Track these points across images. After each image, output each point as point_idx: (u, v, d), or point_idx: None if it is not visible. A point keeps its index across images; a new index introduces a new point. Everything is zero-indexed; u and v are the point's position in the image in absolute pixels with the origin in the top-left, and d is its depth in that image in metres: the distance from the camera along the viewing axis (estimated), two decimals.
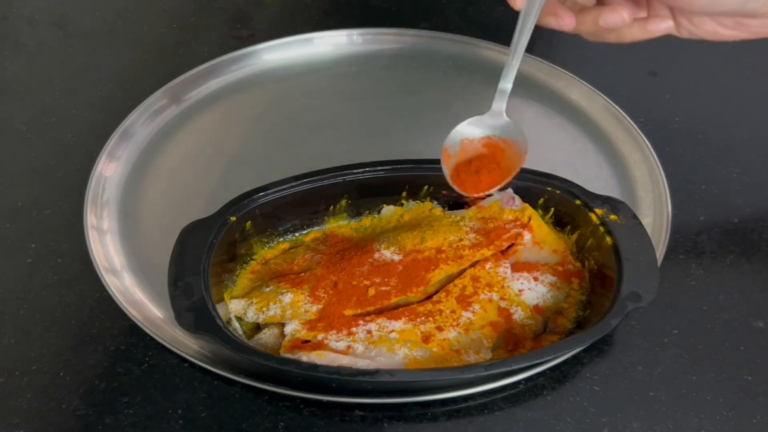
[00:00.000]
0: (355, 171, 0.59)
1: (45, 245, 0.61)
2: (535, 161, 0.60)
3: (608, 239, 0.54)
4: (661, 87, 0.77)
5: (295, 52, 0.79)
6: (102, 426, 0.50)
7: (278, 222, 0.59)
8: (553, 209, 0.59)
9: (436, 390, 0.50)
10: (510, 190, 0.59)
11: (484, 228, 0.58)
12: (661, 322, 0.56)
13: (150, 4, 0.90)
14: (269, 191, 0.57)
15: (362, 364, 0.49)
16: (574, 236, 0.58)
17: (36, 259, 0.60)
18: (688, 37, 0.53)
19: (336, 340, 0.51)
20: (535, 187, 0.59)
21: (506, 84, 0.53)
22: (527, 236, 0.57)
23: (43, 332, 0.55)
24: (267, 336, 0.53)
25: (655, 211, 0.63)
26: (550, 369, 0.52)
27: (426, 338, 0.51)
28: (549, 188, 0.58)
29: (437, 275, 0.55)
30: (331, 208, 0.60)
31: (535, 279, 0.55)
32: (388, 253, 0.56)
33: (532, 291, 0.55)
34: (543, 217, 0.59)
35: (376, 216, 0.61)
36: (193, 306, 0.50)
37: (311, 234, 0.60)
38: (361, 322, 0.52)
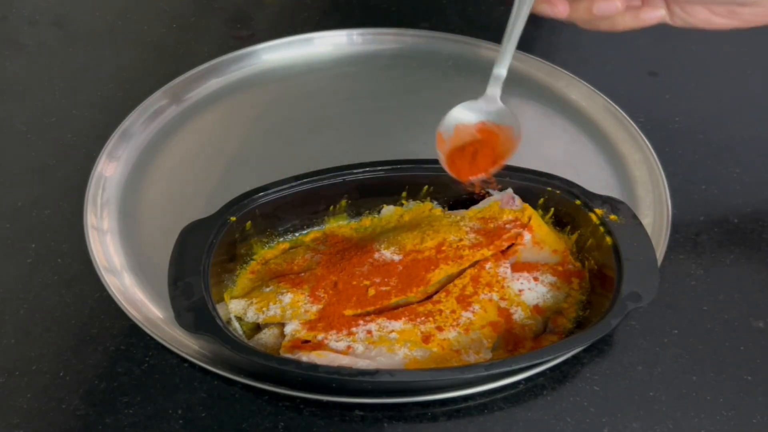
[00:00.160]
0: (355, 171, 0.59)
1: (45, 245, 0.61)
2: (535, 161, 0.60)
3: (608, 239, 0.54)
4: (661, 87, 0.77)
5: (295, 52, 0.79)
6: (102, 426, 0.50)
7: (278, 222, 0.59)
8: (553, 209, 0.59)
9: (436, 390, 0.50)
10: (510, 190, 0.59)
11: (484, 228, 0.58)
12: (661, 322, 0.56)
13: (150, 4, 0.90)
14: (269, 191, 0.57)
15: (362, 364, 0.49)
16: (574, 236, 0.58)
17: (36, 259, 0.60)
18: (681, 26, 0.53)
19: (336, 340, 0.51)
20: (535, 187, 0.59)
21: (500, 69, 0.53)
22: (527, 236, 0.57)
23: (43, 332, 0.55)
24: (267, 336, 0.53)
25: (655, 211, 0.63)
26: (550, 369, 0.52)
27: (426, 338, 0.51)
28: (549, 188, 0.58)
29: (437, 275, 0.55)
30: (331, 208, 0.60)
31: (535, 279, 0.55)
32: (388, 253, 0.56)
33: (532, 291, 0.55)
34: (543, 217, 0.59)
35: (376, 216, 0.61)
36: (193, 306, 0.50)
37: (311, 234, 0.60)
38: (361, 322, 0.52)
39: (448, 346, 0.51)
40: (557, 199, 0.59)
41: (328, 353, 0.50)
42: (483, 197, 0.60)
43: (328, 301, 0.53)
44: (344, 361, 0.49)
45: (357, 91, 0.76)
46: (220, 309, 0.52)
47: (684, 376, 0.53)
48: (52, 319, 0.56)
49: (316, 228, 0.60)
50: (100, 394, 0.51)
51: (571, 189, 0.58)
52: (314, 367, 0.48)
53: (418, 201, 0.61)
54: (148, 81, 0.75)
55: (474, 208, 0.60)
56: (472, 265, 0.56)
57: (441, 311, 0.53)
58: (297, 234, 0.60)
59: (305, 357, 0.49)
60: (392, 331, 0.52)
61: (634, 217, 0.56)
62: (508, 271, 0.55)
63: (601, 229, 0.55)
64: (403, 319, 0.52)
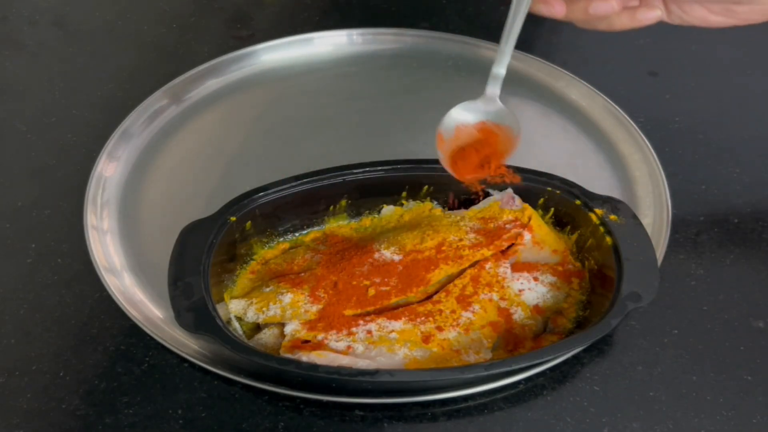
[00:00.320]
0: (355, 171, 0.59)
1: (45, 245, 0.61)
2: (535, 161, 0.60)
3: (608, 239, 0.54)
4: (661, 87, 0.77)
5: (295, 52, 0.79)
6: (102, 426, 0.50)
7: (278, 222, 0.59)
8: (553, 209, 0.59)
9: (436, 390, 0.50)
10: (510, 190, 0.59)
11: (484, 228, 0.58)
12: (661, 322, 0.56)
13: (150, 4, 0.90)
14: (269, 191, 0.57)
15: (362, 364, 0.49)
16: (574, 236, 0.58)
17: (36, 259, 0.60)
18: (678, 23, 0.54)
19: (336, 340, 0.51)
20: (535, 187, 0.59)
21: (499, 69, 0.53)
22: (527, 236, 0.57)
23: (43, 332, 0.55)
24: (267, 336, 0.53)
25: (655, 211, 0.63)
26: (550, 369, 0.52)
27: (426, 338, 0.51)
28: (549, 188, 0.58)
29: (437, 275, 0.55)
30: (331, 208, 0.60)
31: (535, 279, 0.55)
32: (388, 253, 0.56)
33: (532, 291, 0.55)
34: (543, 217, 0.59)
35: (376, 216, 0.61)
36: (193, 306, 0.50)
37: (311, 234, 0.60)
38: (361, 322, 0.52)
39: (448, 346, 0.51)
40: (557, 199, 0.59)
41: (328, 353, 0.50)
42: (483, 197, 0.60)
43: (328, 301, 0.53)
44: (344, 361, 0.49)
45: (357, 91, 0.76)
46: (220, 309, 0.52)
47: (684, 376, 0.53)
48: (52, 319, 0.56)
49: (316, 228, 0.60)
50: (100, 394, 0.51)
51: (571, 189, 0.58)
52: (314, 367, 0.48)
53: (418, 201, 0.61)
54: (148, 81, 0.75)
55: (474, 208, 0.60)
56: (472, 265, 0.56)
57: (441, 311, 0.53)
58: (297, 234, 0.60)
59: (305, 357, 0.49)
60: (392, 331, 0.52)
61: (634, 217, 0.56)
62: (508, 271, 0.55)
63: (601, 229, 0.55)
64: (403, 319, 0.52)
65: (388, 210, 0.61)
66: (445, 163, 0.54)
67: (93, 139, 0.69)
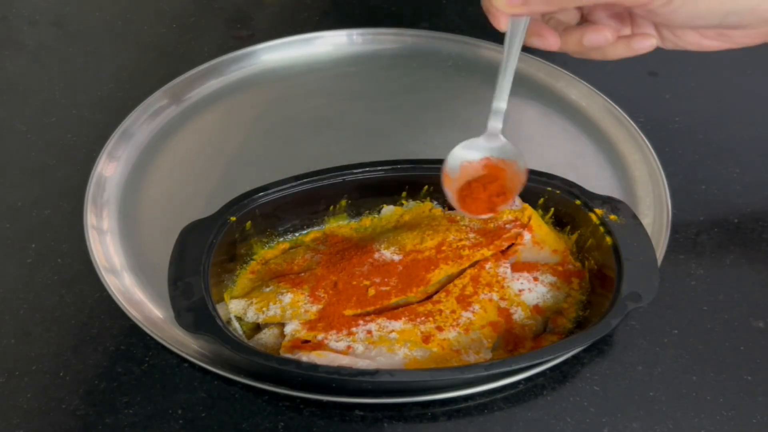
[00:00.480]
0: (355, 171, 0.59)
1: (45, 245, 0.61)
2: (535, 161, 0.60)
3: (608, 239, 0.54)
4: (661, 87, 0.77)
5: (295, 52, 0.79)
6: (102, 426, 0.50)
7: (278, 222, 0.59)
8: (553, 209, 0.59)
9: (436, 390, 0.50)
10: None
11: (484, 228, 0.58)
12: (661, 322, 0.56)
13: (150, 4, 0.90)
14: (269, 191, 0.57)
15: (362, 364, 0.49)
16: (574, 236, 0.58)
17: (36, 259, 0.60)
18: (672, 48, 0.54)
19: (336, 340, 0.51)
20: (535, 187, 0.59)
21: (500, 103, 0.52)
22: (527, 236, 0.57)
23: (43, 332, 0.55)
24: (267, 336, 0.53)
25: (655, 211, 0.63)
26: (550, 369, 0.52)
27: (426, 338, 0.51)
28: (549, 188, 0.58)
29: (437, 275, 0.55)
30: (331, 208, 0.60)
31: (535, 279, 0.55)
32: (388, 253, 0.56)
33: (532, 291, 0.55)
34: (543, 217, 0.59)
35: (376, 216, 0.61)
36: (193, 306, 0.50)
37: (311, 234, 0.60)
38: (361, 322, 0.52)
39: (448, 346, 0.51)
40: (557, 199, 0.59)
41: (328, 353, 0.50)
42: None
43: (328, 301, 0.53)
44: (344, 361, 0.49)
45: (357, 91, 0.76)
46: (220, 309, 0.52)
47: (684, 376, 0.53)
48: (52, 319, 0.56)
49: (316, 228, 0.60)
50: (100, 394, 0.51)
51: (571, 189, 0.58)
52: (314, 367, 0.48)
53: (418, 201, 0.61)
54: (148, 81, 0.75)
55: None
56: (472, 265, 0.56)
57: (441, 311, 0.53)
58: (297, 234, 0.60)
59: (305, 357, 0.49)
60: (392, 331, 0.52)
61: (634, 217, 0.56)
62: (508, 271, 0.55)
63: (601, 229, 0.55)
64: (403, 319, 0.52)
65: (388, 210, 0.61)
66: (454, 202, 0.54)
67: (93, 139, 0.69)
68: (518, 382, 0.52)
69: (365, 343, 0.51)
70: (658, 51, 0.80)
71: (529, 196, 0.59)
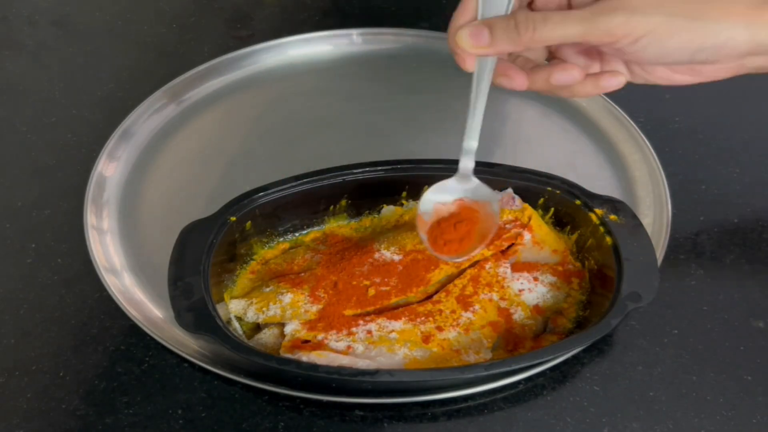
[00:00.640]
0: (355, 171, 0.59)
1: (45, 245, 0.61)
2: (535, 161, 0.60)
3: (608, 239, 0.54)
4: (661, 87, 0.76)
5: (295, 52, 0.79)
6: (102, 426, 0.50)
7: (278, 222, 0.59)
8: (553, 209, 0.59)
9: (436, 390, 0.50)
10: (510, 190, 0.59)
11: None
12: (661, 322, 0.56)
13: (150, 4, 0.90)
14: (269, 191, 0.57)
15: (362, 364, 0.49)
16: (574, 236, 0.58)
17: (36, 259, 0.60)
18: (643, 83, 0.54)
19: (336, 340, 0.51)
20: (535, 187, 0.59)
21: (472, 142, 0.52)
22: (527, 236, 0.57)
23: (43, 332, 0.55)
24: (267, 336, 0.53)
25: (655, 211, 0.63)
26: (550, 369, 0.52)
27: (426, 338, 0.51)
28: (549, 188, 0.58)
29: (437, 275, 0.55)
30: (331, 208, 0.60)
31: (535, 279, 0.55)
32: (388, 253, 0.56)
33: (532, 291, 0.55)
34: (543, 217, 0.59)
35: (376, 216, 0.61)
36: (193, 306, 0.50)
37: (311, 234, 0.60)
38: (361, 322, 0.52)
39: (448, 346, 0.51)
40: (557, 199, 0.59)
41: (328, 353, 0.50)
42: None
43: (328, 301, 0.53)
44: (344, 361, 0.49)
45: (357, 91, 0.76)
46: (220, 309, 0.52)
47: (684, 376, 0.53)
48: (52, 319, 0.56)
49: (316, 228, 0.60)
50: (100, 394, 0.51)
51: (571, 189, 0.58)
52: (314, 367, 0.48)
53: (418, 201, 0.61)
54: (148, 81, 0.75)
55: None
56: (472, 265, 0.56)
57: (441, 311, 0.53)
58: (297, 234, 0.60)
59: (305, 357, 0.49)
60: (392, 331, 0.52)
61: (634, 217, 0.56)
62: (508, 271, 0.55)
63: (601, 229, 0.55)
64: (403, 319, 0.52)
65: (388, 210, 0.61)
66: (427, 245, 0.52)
67: (93, 139, 0.69)
68: (518, 382, 0.52)
69: (365, 343, 0.51)
70: None
71: (529, 196, 0.59)
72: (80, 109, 0.74)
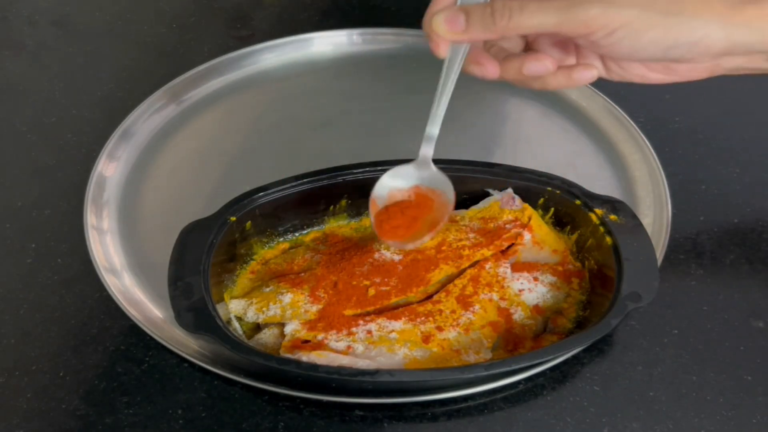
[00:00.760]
0: (355, 171, 0.59)
1: (45, 245, 0.61)
2: (535, 161, 0.61)
3: (608, 239, 0.54)
4: (661, 87, 0.76)
5: (295, 52, 0.79)
6: (102, 426, 0.50)
7: (278, 222, 0.59)
8: (553, 209, 0.59)
9: (436, 390, 0.50)
10: (510, 190, 0.59)
11: (484, 228, 0.58)
12: (661, 322, 0.56)
13: (150, 4, 0.90)
14: (269, 191, 0.57)
15: (362, 364, 0.49)
16: (574, 236, 0.58)
17: (36, 259, 0.60)
18: (618, 80, 0.53)
19: (336, 340, 0.51)
20: (535, 187, 0.59)
21: (433, 129, 0.52)
22: (527, 236, 0.57)
23: (43, 332, 0.55)
24: (267, 336, 0.53)
25: (655, 211, 0.63)
26: (550, 369, 0.52)
27: (426, 338, 0.51)
28: (549, 188, 0.58)
29: (437, 275, 0.55)
30: (331, 208, 0.60)
31: (535, 279, 0.55)
32: (388, 253, 0.56)
33: (532, 291, 0.55)
34: (543, 217, 0.59)
35: None
36: (193, 306, 0.50)
37: (311, 234, 0.60)
38: (361, 322, 0.52)
39: (448, 346, 0.51)
40: (557, 199, 0.59)
41: (328, 353, 0.50)
42: (483, 196, 0.60)
43: (328, 301, 0.53)
44: (344, 361, 0.49)
45: (357, 91, 0.76)
46: (220, 309, 0.52)
47: (684, 376, 0.53)
48: (52, 319, 0.56)
49: (316, 228, 0.60)
50: (100, 394, 0.51)
51: (571, 189, 0.58)
52: (314, 367, 0.48)
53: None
54: (148, 81, 0.75)
55: (474, 208, 0.60)
56: (472, 265, 0.56)
57: (441, 311, 0.53)
58: (297, 234, 0.60)
59: (305, 357, 0.49)
60: (392, 331, 0.52)
61: (634, 217, 0.56)
62: (508, 271, 0.55)
63: (601, 229, 0.55)
64: (403, 319, 0.52)
65: None
66: (375, 228, 0.53)
67: (93, 139, 0.69)
68: (518, 382, 0.52)
69: (365, 343, 0.51)
70: None
71: (529, 196, 0.59)
72: (80, 109, 0.74)
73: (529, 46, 0.54)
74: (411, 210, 0.52)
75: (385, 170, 0.58)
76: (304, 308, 0.53)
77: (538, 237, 0.58)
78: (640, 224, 0.55)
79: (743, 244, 0.61)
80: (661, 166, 0.66)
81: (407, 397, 0.50)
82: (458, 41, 0.49)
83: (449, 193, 0.52)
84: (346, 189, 0.59)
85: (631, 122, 0.70)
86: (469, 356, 0.51)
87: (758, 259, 0.60)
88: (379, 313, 0.53)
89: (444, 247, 0.56)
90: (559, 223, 0.59)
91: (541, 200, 0.59)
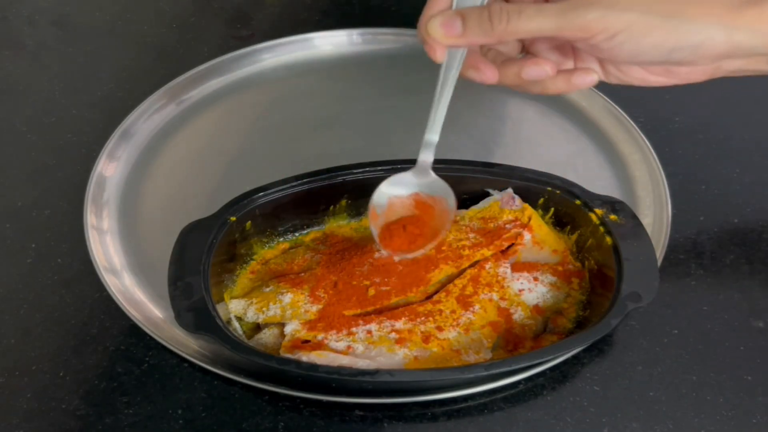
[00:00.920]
0: (355, 171, 0.59)
1: (45, 245, 0.61)
2: (535, 161, 0.60)
3: (608, 239, 0.54)
4: (661, 88, 0.77)
5: (295, 52, 0.79)
6: (102, 426, 0.50)
7: (278, 222, 0.59)
8: (553, 209, 0.59)
9: (436, 390, 0.50)
10: (510, 190, 0.59)
11: (484, 228, 0.58)
12: (661, 322, 0.56)
13: (150, 4, 0.90)
14: (269, 191, 0.57)
15: (362, 364, 0.49)
16: (574, 236, 0.58)
17: (36, 259, 0.60)
18: (617, 83, 0.53)
19: (336, 340, 0.51)
20: (535, 187, 0.59)
21: (432, 136, 0.51)
22: (527, 236, 0.57)
23: (43, 332, 0.55)
24: (267, 336, 0.53)
25: (655, 211, 0.63)
26: (550, 369, 0.52)
27: (426, 338, 0.51)
28: (549, 188, 0.58)
29: (437, 275, 0.55)
30: (331, 208, 0.60)
31: (535, 279, 0.55)
32: (388, 253, 0.56)
33: (532, 291, 0.55)
34: (543, 217, 0.59)
35: None
36: (193, 306, 0.50)
37: (311, 234, 0.60)
38: (361, 322, 0.52)
39: (448, 346, 0.51)
40: (557, 199, 0.59)
41: (328, 353, 0.50)
42: (483, 196, 0.60)
43: (328, 301, 0.53)
44: (344, 361, 0.49)
45: (357, 91, 0.76)
46: (220, 309, 0.52)
47: (684, 376, 0.53)
48: (52, 319, 0.56)
49: (316, 228, 0.60)
50: (100, 394, 0.51)
51: (571, 189, 0.58)
52: (314, 367, 0.48)
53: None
54: (148, 81, 0.75)
55: (474, 208, 0.60)
56: (472, 265, 0.56)
57: (441, 311, 0.53)
58: (297, 234, 0.60)
59: (305, 357, 0.49)
60: (392, 331, 0.52)
61: (634, 217, 0.56)
62: (508, 271, 0.55)
63: (601, 229, 0.55)
64: (403, 319, 0.52)
65: None
66: (378, 239, 0.53)
67: (93, 139, 0.69)
68: (518, 382, 0.52)
69: (365, 343, 0.51)
70: None
71: (529, 196, 0.59)
72: (80, 109, 0.74)
73: (526, 50, 0.54)
74: (412, 226, 0.52)
75: (385, 170, 0.59)
76: (304, 308, 0.53)
77: (538, 237, 0.58)
78: (640, 224, 0.55)
79: (743, 244, 0.61)
80: (661, 166, 0.66)
81: (407, 397, 0.50)
82: (455, 46, 0.48)
83: (450, 200, 0.52)
84: (346, 189, 0.59)
85: (631, 122, 0.70)
86: (469, 356, 0.51)
87: (758, 259, 0.60)
88: (379, 313, 0.53)
89: (444, 247, 0.56)
90: (559, 223, 0.59)
91: (541, 200, 0.59)
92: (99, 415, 0.50)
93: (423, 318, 0.52)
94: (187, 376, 0.52)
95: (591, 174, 0.66)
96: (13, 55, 0.82)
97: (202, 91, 0.75)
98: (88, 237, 0.60)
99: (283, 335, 0.52)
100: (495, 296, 0.54)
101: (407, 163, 0.59)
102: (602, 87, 0.73)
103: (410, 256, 0.53)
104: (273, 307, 0.53)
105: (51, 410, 0.51)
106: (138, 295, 0.57)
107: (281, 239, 0.59)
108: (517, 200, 0.59)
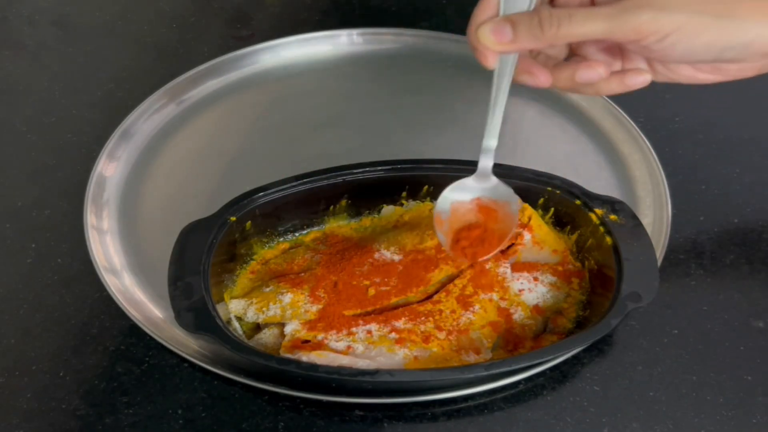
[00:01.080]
0: (355, 171, 0.59)
1: (45, 245, 0.61)
2: (535, 161, 0.60)
3: (608, 239, 0.54)
4: (661, 87, 0.76)
5: (295, 52, 0.79)
6: (102, 426, 0.50)
7: (278, 222, 0.59)
8: (553, 209, 0.59)
9: (436, 390, 0.50)
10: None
11: None
12: (661, 322, 0.56)
13: (150, 4, 0.90)
14: (269, 191, 0.57)
15: (362, 364, 0.49)
16: (574, 236, 0.58)
17: (36, 259, 0.60)
18: (664, 81, 0.53)
19: (336, 340, 0.51)
20: (535, 187, 0.59)
21: (491, 141, 0.51)
22: (527, 236, 0.57)
23: (43, 332, 0.55)
24: (267, 336, 0.53)
25: (655, 211, 0.63)
26: (550, 369, 0.52)
27: (426, 338, 0.51)
28: (549, 188, 0.58)
29: (437, 275, 0.55)
30: (331, 208, 0.60)
31: (535, 279, 0.55)
32: (388, 253, 0.56)
33: (532, 291, 0.55)
34: (543, 217, 0.59)
35: (376, 216, 0.61)
36: (193, 306, 0.50)
37: (311, 234, 0.60)
38: (361, 322, 0.52)
39: (448, 346, 0.51)
40: (557, 199, 0.59)
41: (328, 353, 0.50)
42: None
43: (328, 301, 0.53)
44: (344, 361, 0.49)
45: (357, 91, 0.76)
46: (220, 309, 0.52)
47: (684, 376, 0.53)
48: (52, 319, 0.56)
49: (316, 228, 0.60)
50: (100, 394, 0.51)
51: (571, 189, 0.58)
52: (314, 367, 0.48)
53: (418, 201, 0.61)
54: (148, 81, 0.75)
55: None
56: (472, 265, 0.56)
57: (441, 311, 0.53)
58: (297, 234, 0.60)
59: (305, 357, 0.49)
60: (392, 330, 0.52)
61: (634, 217, 0.56)
62: (508, 271, 0.55)
63: (601, 229, 0.55)
64: (403, 319, 0.52)
65: (388, 210, 0.61)
66: (447, 247, 0.53)
67: (93, 139, 0.69)
68: (518, 382, 0.52)
69: (365, 343, 0.51)
70: None
71: (529, 196, 0.59)
72: (80, 109, 0.74)
73: (574, 52, 0.54)
74: (474, 231, 0.52)
75: (385, 170, 0.59)
76: (304, 308, 0.53)
77: (538, 237, 0.58)
78: (640, 224, 0.55)
79: (743, 244, 0.61)
80: (661, 166, 0.66)
81: (407, 397, 0.50)
82: (506, 52, 0.48)
83: (513, 204, 0.52)
84: (346, 189, 0.59)
85: (631, 122, 0.70)
86: (469, 356, 0.51)
87: (758, 259, 0.60)
88: (379, 313, 0.53)
89: (444, 247, 0.56)
90: (559, 223, 0.59)
91: (541, 200, 0.59)
92: (99, 415, 0.50)
93: (423, 318, 0.52)
94: (187, 376, 0.52)
95: (591, 174, 0.66)
96: (13, 55, 0.82)
97: (202, 91, 0.75)
98: (88, 237, 0.60)
99: (283, 335, 0.52)
100: (495, 296, 0.54)
101: (408, 164, 0.60)
102: None
103: (479, 259, 0.53)
104: (273, 307, 0.53)
105: (51, 410, 0.51)
106: (138, 295, 0.57)
107: (281, 239, 0.59)
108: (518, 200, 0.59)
